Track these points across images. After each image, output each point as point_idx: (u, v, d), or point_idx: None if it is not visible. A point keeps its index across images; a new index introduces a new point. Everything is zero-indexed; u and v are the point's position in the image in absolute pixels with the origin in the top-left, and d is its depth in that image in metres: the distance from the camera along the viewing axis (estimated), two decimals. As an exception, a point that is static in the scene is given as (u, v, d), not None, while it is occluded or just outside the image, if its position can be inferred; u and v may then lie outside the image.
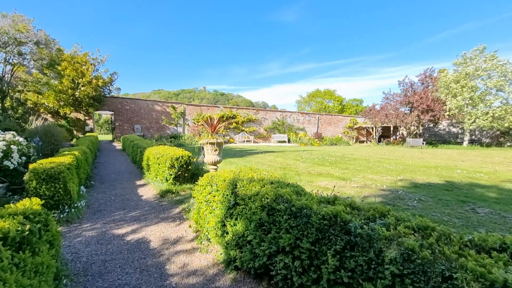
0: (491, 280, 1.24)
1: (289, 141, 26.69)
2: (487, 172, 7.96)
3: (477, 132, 24.48)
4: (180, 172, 5.51)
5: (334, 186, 4.40)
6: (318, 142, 25.50)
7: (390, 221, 1.95)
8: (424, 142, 23.54)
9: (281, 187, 2.86)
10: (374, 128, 28.98)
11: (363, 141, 31.40)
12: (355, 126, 31.25)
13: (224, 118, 24.44)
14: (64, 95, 16.86)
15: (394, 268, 1.53)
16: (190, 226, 3.65)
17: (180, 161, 5.44)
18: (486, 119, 20.66)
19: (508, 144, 22.96)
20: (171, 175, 5.42)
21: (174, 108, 23.31)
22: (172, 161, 5.36)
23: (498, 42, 74.69)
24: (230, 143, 23.82)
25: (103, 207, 4.56)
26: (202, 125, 5.25)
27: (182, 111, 23.71)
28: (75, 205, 4.09)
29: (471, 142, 24.09)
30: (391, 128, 28.88)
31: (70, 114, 18.71)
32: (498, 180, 6.67)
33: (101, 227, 3.66)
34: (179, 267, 2.67)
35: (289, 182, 3.12)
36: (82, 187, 5.17)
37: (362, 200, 4.50)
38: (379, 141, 29.38)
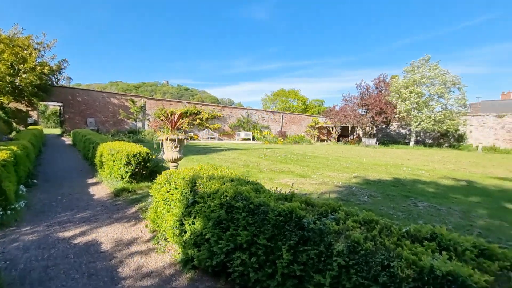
0: (421, 266, 1.40)
1: (253, 138, 26.93)
2: (428, 169, 8.92)
3: (421, 134, 27.22)
4: (137, 170, 5.23)
5: (292, 184, 4.55)
6: (282, 140, 26.13)
7: (340, 216, 2.08)
8: (377, 142, 25.53)
9: (241, 184, 2.87)
10: (334, 128, 30.59)
11: (323, 140, 32.98)
12: (317, 126, 32.67)
13: (188, 114, 23.74)
14: (1, 82, 14.86)
15: (341, 260, 1.64)
16: (146, 226, 3.50)
17: (138, 158, 5.16)
18: (429, 122, 23.09)
19: (446, 144, 25.96)
20: (127, 172, 5.12)
21: (133, 101, 21.96)
22: (128, 157, 5.07)
23: (441, 53, 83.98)
24: (195, 139, 23.27)
25: (47, 208, 4.14)
26: (163, 120, 5.05)
27: (142, 105, 22.47)
28: (12, 206, 3.65)
29: (417, 142, 26.71)
30: (349, 128, 30.75)
31: (8, 104, 16.55)
32: (436, 176, 7.51)
33: (43, 230, 3.32)
34: (133, 269, 2.54)
35: (250, 179, 3.15)
36: (21, 186, 4.64)
37: (319, 196, 4.74)
38: (338, 140, 31.13)
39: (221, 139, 25.68)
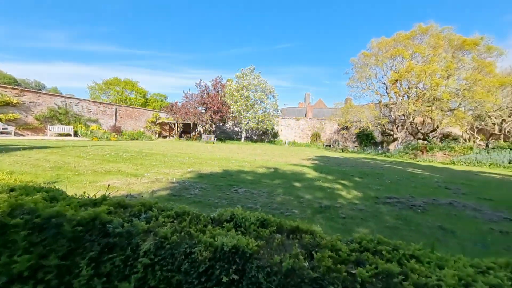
0: (215, 246, 1.59)
1: (76, 134, 21.93)
2: (250, 161, 10.76)
3: (250, 131, 32.57)
4: None
5: (109, 185, 4.07)
6: (116, 136, 22.95)
7: (154, 213, 2.03)
8: (215, 138, 28.02)
9: (29, 193, 2.21)
10: (176, 124, 30.50)
11: (166, 136, 32.15)
12: (158, 121, 31.32)
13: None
14: None
15: (146, 260, 1.59)
16: None
17: None
18: (254, 122, 28.01)
19: (266, 140, 32.51)
20: None
21: None
22: None
23: (263, 66, 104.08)
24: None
25: None
26: None
27: None
28: None
29: (246, 138, 31.70)
30: (191, 125, 31.75)
31: None
32: (255, 166, 9.17)
33: None
34: None
35: (59, 185, 2.49)
36: None
37: (149, 196, 4.51)
38: (181, 136, 31.40)
39: (22, 135, 19.04)
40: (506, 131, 19.62)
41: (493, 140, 20.27)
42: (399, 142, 22.92)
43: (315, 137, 32.29)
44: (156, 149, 14.25)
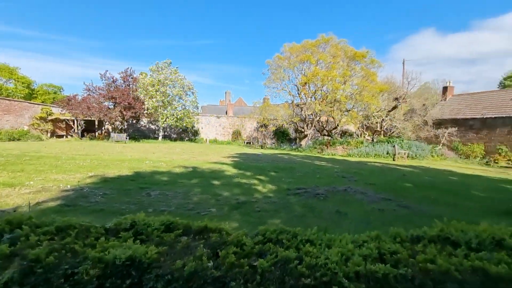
0: (106, 261, 1.37)
1: None
2: (167, 160, 10.12)
3: (168, 129, 30.67)
4: None
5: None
6: (-14, 136, 17.87)
7: (23, 232, 1.62)
8: (128, 137, 25.22)
9: None
10: (76, 121, 25.99)
11: (62, 136, 27.00)
12: (51, 117, 25.95)
13: None
14: None
15: (4, 293, 1.25)
16: None
17: None
18: (173, 119, 26.53)
19: (187, 138, 31.29)
20: None
21: None
22: None
23: (181, 60, 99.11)
24: None
25: None
26: None
27: None
28: None
29: (164, 137, 29.71)
30: (96, 122, 27.63)
31: None
32: (172, 166, 8.67)
33: None
34: None
35: None
36: None
37: (16, 210, 3.65)
38: (83, 135, 26.93)
39: None
40: (384, 128, 24.54)
41: (377, 135, 25.03)
42: (309, 138, 25.76)
43: (236, 134, 32.96)
44: (46, 151, 11.75)
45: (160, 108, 26.11)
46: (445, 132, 20.56)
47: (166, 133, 30.47)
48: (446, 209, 4.81)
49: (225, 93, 55.11)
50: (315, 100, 23.42)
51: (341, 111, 22.90)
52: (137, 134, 29.66)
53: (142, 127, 31.00)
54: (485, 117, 19.49)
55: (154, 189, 5.35)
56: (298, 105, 25.49)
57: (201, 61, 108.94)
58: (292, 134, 30.17)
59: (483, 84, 76.56)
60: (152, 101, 25.13)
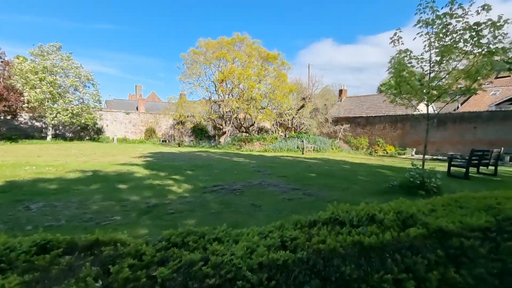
0: None
1: None
2: (58, 165, 8.35)
3: (61, 127, 25.50)
4: None
5: None
6: None
7: None
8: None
9: None
10: None
11: None
12: None
13: None
14: None
15: None
16: None
17: None
18: (67, 115, 22.21)
19: (87, 137, 26.77)
20: None
21: None
22: None
23: (77, 45, 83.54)
24: None
25: None
26: None
27: None
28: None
29: (56, 136, 24.58)
30: None
31: None
32: (64, 171, 7.19)
33: None
34: None
35: None
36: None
37: None
38: None
39: None
40: (295, 125, 27.11)
41: (289, 131, 27.38)
42: (228, 135, 26.00)
43: (150, 132, 30.31)
44: None
45: (47, 102, 21.44)
46: (341, 128, 24.29)
47: (58, 131, 25.34)
48: (340, 193, 5.61)
49: (136, 86, 49.99)
50: (233, 97, 23.80)
51: (257, 108, 24.00)
52: (14, 133, 23.48)
53: (21, 125, 24.73)
54: (368, 115, 24.10)
55: (37, 201, 4.28)
56: (215, 102, 25.38)
57: (104, 49, 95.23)
58: (211, 131, 29.91)
59: (368, 88, 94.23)
60: (36, 92, 20.36)
